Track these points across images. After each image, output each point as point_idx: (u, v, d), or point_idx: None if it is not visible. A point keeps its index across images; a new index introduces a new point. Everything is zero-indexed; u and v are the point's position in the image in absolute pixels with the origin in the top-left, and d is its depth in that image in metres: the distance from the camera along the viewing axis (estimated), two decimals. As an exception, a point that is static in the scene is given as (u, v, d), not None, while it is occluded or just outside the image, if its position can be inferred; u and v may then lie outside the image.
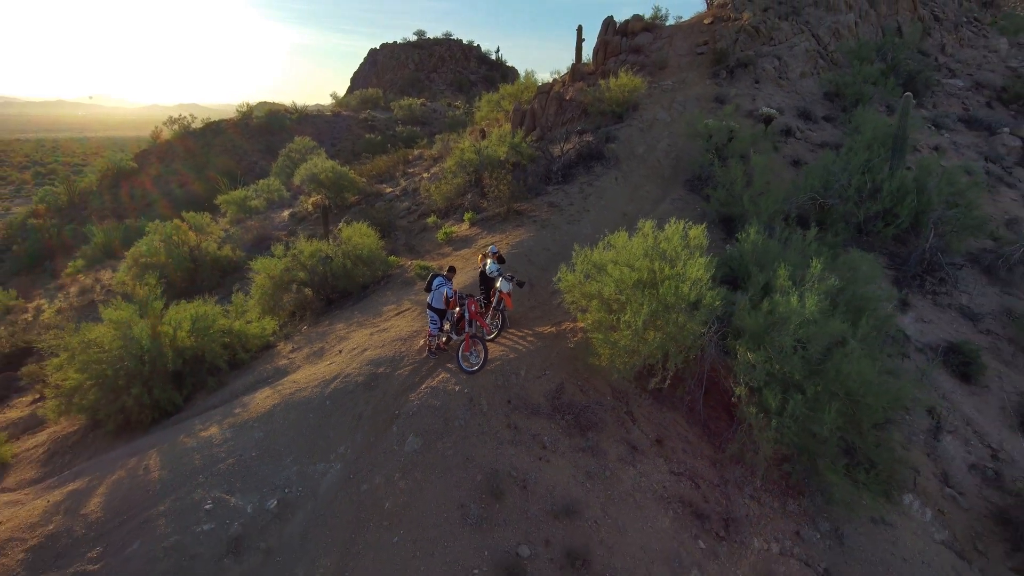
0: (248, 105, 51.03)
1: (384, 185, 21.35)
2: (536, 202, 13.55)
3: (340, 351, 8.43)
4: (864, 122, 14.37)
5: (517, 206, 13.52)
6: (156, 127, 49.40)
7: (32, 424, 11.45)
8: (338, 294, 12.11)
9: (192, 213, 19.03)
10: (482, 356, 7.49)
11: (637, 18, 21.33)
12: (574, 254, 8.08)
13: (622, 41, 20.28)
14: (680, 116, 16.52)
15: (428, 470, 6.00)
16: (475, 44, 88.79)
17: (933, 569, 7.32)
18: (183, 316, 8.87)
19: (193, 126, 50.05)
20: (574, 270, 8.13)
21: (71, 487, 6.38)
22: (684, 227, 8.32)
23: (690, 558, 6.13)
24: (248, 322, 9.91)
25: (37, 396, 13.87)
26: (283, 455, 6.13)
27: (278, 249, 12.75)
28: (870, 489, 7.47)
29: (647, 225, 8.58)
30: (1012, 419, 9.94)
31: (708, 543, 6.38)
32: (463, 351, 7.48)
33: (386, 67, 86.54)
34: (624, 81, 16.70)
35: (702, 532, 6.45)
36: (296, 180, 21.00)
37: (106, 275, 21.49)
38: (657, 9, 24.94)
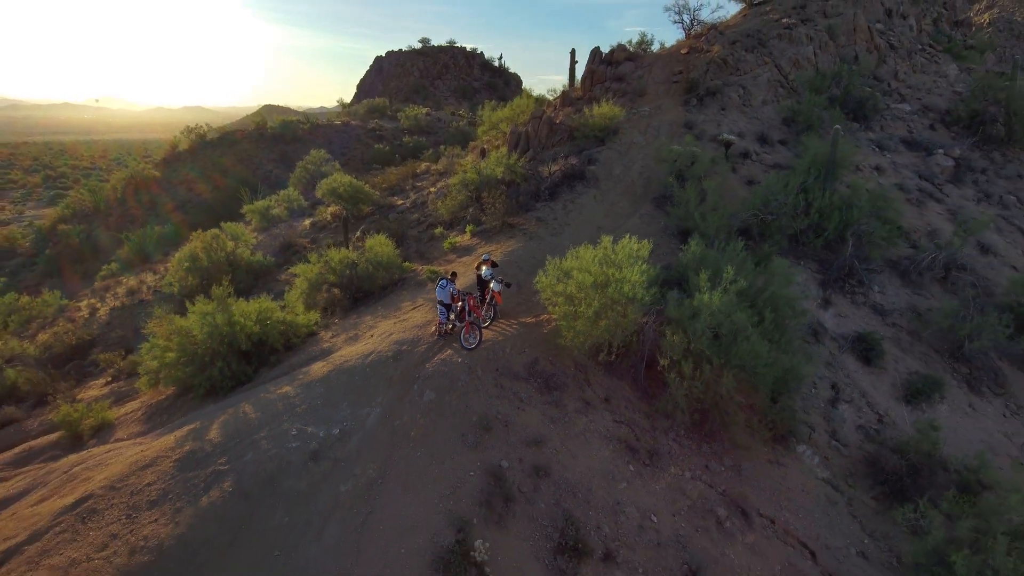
0: (261, 116, 54.03)
1: (396, 197, 24.24)
2: (526, 217, 16.38)
3: (372, 335, 11.28)
4: (807, 148, 17.12)
5: (510, 220, 16.35)
6: (175, 136, 52.51)
7: (119, 398, 14.37)
8: (362, 293, 14.95)
9: (229, 223, 21.90)
10: (478, 338, 10.31)
11: (622, 48, 24.16)
12: (547, 262, 10.89)
13: (607, 70, 23.11)
14: (654, 140, 19.33)
15: (440, 413, 8.82)
16: (479, 51, 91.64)
17: (809, 495, 10.06)
18: (250, 309, 11.73)
19: (208, 136, 52.96)
20: (548, 274, 10.93)
21: (189, 428, 9.23)
22: (632, 241, 11.12)
23: (621, 476, 8.91)
24: (296, 315, 12.76)
25: (110, 378, 16.81)
26: (339, 403, 8.96)
27: (312, 256, 15.67)
28: (762, 436, 10.24)
29: (606, 240, 11.40)
30: (900, 393, 12.67)
31: (636, 467, 9.16)
32: (464, 334, 10.30)
33: (391, 74, 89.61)
34: (605, 110, 19.52)
35: (632, 460, 9.24)
36: (318, 193, 23.85)
37: (148, 277, 24.45)
38: (644, 35, 27.89)
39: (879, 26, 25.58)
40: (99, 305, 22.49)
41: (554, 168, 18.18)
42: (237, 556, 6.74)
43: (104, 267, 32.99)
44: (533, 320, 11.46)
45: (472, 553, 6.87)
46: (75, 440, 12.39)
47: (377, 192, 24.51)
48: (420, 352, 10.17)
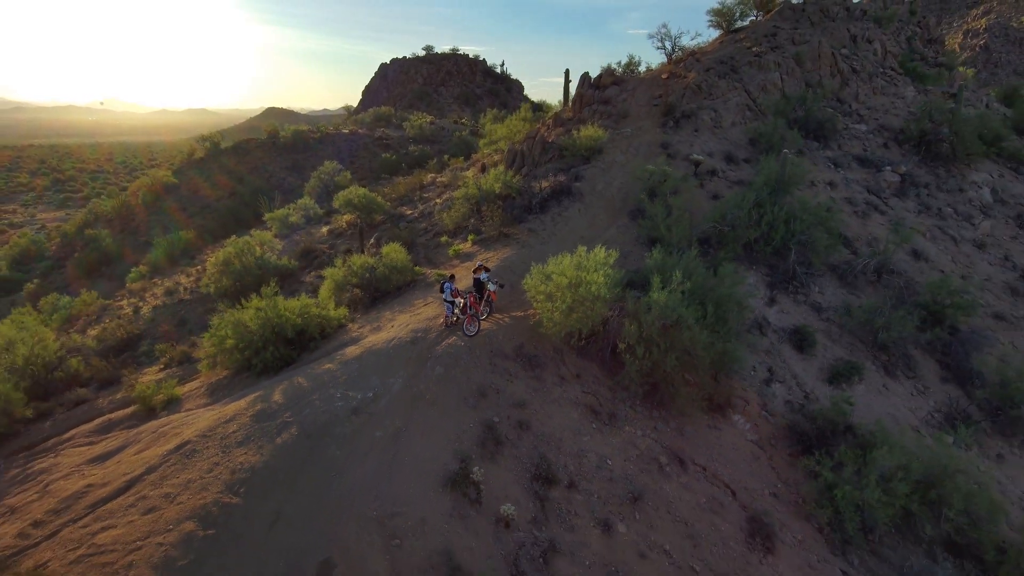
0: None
1: (404, 207, 27.21)
2: (520, 227, 19.31)
3: (392, 326, 14.23)
4: (762, 168, 19.99)
5: (506, 230, 19.28)
6: (192, 145, 55.71)
7: (179, 381, 17.31)
8: (380, 293, 17.89)
9: (258, 231, 24.87)
10: (477, 327, 13.23)
11: (609, 73, 27.11)
12: (532, 267, 13.81)
13: (595, 93, 26.06)
14: (633, 159, 22.25)
15: (447, 382, 11.75)
16: (481, 58, 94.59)
17: (738, 452, 12.93)
18: (293, 305, 14.69)
19: (222, 145, 56.01)
20: (533, 277, 13.83)
21: (255, 394, 12.18)
22: (601, 251, 14.02)
23: (585, 431, 11.81)
24: (329, 310, 15.71)
25: (163, 366, 19.76)
26: (371, 375, 11.90)
27: (338, 261, 18.63)
28: (701, 406, 13.10)
29: (581, 249, 14.30)
30: (825, 375, 15.52)
31: (598, 426, 12.06)
32: (466, 324, 13.22)
33: (396, 80, 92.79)
34: (590, 131, 22.46)
35: (595, 420, 12.13)
36: (336, 203, 26.80)
37: (183, 279, 27.46)
38: (632, 57, 30.81)
39: (844, 51, 28.46)
40: (141, 304, 25.50)
41: (545, 184, 21.12)
42: (306, 476, 9.66)
43: (133, 269, 36.10)
44: (521, 314, 14.39)
45: (471, 475, 9.78)
46: (148, 412, 15.31)
47: (388, 203, 27.46)
48: (431, 338, 13.12)
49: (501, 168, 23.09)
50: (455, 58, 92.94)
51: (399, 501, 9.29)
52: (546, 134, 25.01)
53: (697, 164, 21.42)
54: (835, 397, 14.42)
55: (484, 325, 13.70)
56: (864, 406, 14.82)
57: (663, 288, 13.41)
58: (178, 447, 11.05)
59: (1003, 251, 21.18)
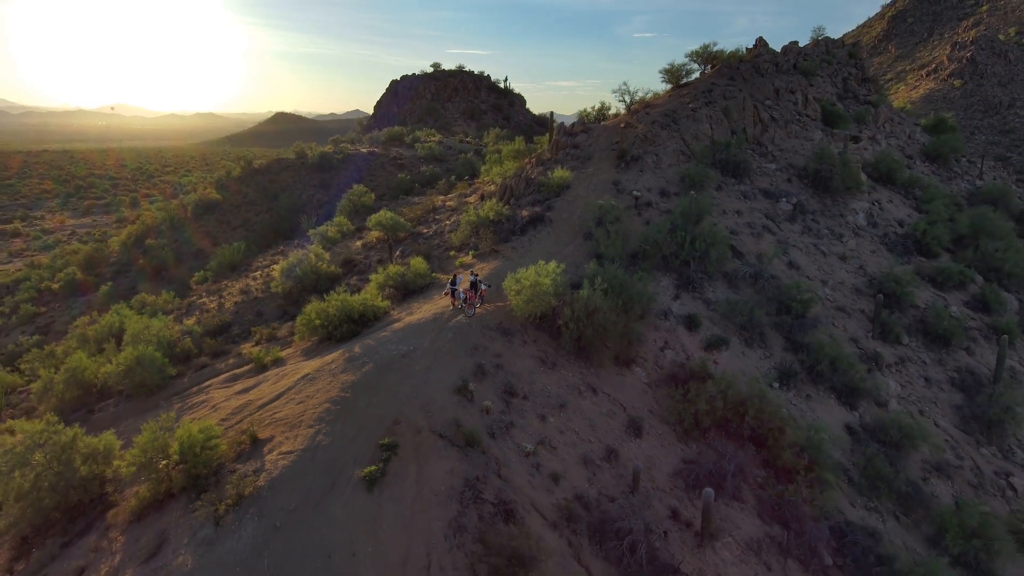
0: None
1: (422, 227, 36.43)
2: (505, 246, 28.42)
3: (420, 311, 23.41)
4: (679, 203, 28.93)
5: (496, 248, 28.38)
6: (230, 164, 65.24)
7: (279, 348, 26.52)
8: (409, 291, 27.05)
9: (314, 245, 34.18)
10: (474, 311, 22.35)
11: (581, 122, 36.25)
12: (508, 274, 22.93)
13: (568, 139, 35.18)
14: (592, 193, 31.31)
15: (456, 342, 20.90)
16: (486, 75, 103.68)
17: (634, 388, 21.88)
18: (357, 299, 23.88)
19: (255, 164, 65.44)
20: (509, 281, 22.86)
21: (341, 350, 21.38)
22: (553, 264, 23.06)
23: (537, 371, 20.86)
24: (379, 302, 24.90)
25: (254, 344, 28.99)
26: (411, 338, 21.08)
27: (379, 269, 27.84)
28: (611, 361, 22.05)
29: (541, 262, 23.37)
30: (704, 345, 24.42)
31: (544, 369, 21.10)
32: (467, 309, 22.34)
33: (406, 97, 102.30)
34: (560, 173, 31.56)
35: (543, 366, 21.18)
36: (369, 224, 36.02)
37: (251, 282, 36.81)
38: (603, 103, 39.95)
39: (768, 102, 37.40)
40: (223, 301, 34.85)
41: (525, 213, 30.24)
42: (380, 386, 18.73)
43: (197, 274, 45.59)
44: (501, 304, 23.53)
45: (468, 387, 18.85)
46: (261, 368, 24.51)
47: (409, 223, 36.69)
48: (446, 318, 22.28)
49: (494, 200, 32.22)
50: (461, 75, 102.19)
51: (430, 397, 18.38)
52: (530, 172, 34.12)
53: (637, 198, 30.43)
54: (703, 358, 23.42)
55: (478, 311, 22.81)
56: (725, 364, 23.78)
57: (590, 287, 22.49)
58: (303, 377, 20.24)
59: (860, 262, 30.02)
